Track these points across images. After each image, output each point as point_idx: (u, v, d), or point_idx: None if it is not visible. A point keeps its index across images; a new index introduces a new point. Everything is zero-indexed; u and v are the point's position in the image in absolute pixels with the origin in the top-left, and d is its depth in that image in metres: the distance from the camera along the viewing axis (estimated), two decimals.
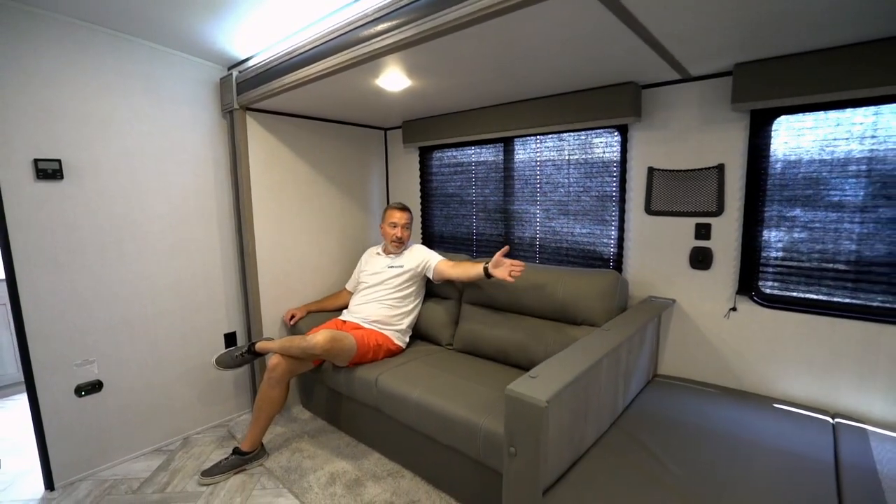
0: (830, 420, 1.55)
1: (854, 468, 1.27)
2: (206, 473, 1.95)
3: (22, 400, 2.77)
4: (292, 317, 2.44)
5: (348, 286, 2.60)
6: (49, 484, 1.89)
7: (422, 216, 2.91)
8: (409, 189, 2.95)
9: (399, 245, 2.40)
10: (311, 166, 2.60)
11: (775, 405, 1.65)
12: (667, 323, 1.95)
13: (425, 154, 2.84)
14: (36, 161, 1.76)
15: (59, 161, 1.81)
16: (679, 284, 1.89)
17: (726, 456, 1.32)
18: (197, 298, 2.29)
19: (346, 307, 2.48)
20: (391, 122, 2.78)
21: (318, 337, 1.95)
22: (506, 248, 1.93)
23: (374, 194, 3.01)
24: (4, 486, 1.94)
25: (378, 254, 2.49)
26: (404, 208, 2.42)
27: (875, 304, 1.54)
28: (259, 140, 2.33)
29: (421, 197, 2.90)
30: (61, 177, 1.82)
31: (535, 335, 1.98)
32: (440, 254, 2.38)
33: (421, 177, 2.88)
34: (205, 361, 2.33)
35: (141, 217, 2.06)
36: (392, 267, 2.37)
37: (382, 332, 2.23)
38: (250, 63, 2.08)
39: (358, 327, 2.22)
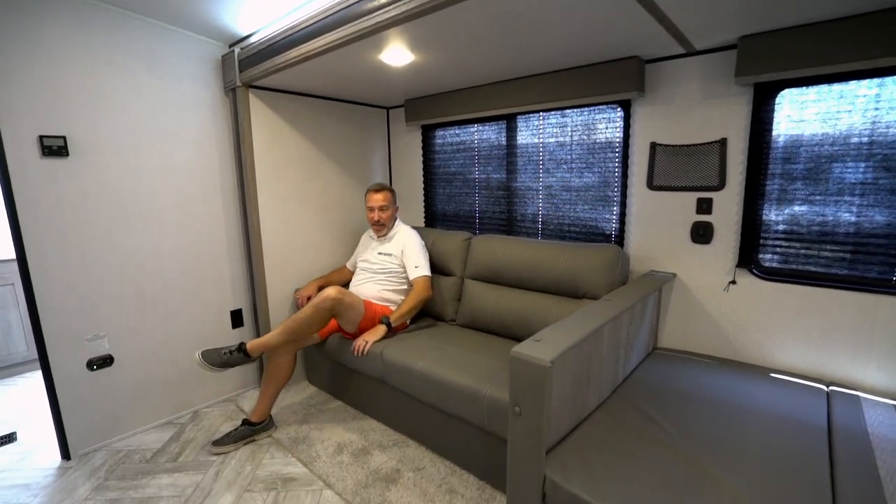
0: (825, 388, 1.59)
1: (845, 431, 1.32)
2: (217, 443, 2.01)
3: (33, 377, 2.84)
4: (308, 298, 2.40)
5: (349, 265, 2.62)
6: (65, 454, 1.95)
7: (424, 195, 2.93)
8: (411, 168, 2.96)
9: (381, 228, 2.37)
10: (313, 144, 2.61)
11: (772, 375, 1.69)
12: (667, 297, 1.98)
13: (428, 133, 2.84)
14: (41, 138, 1.77)
15: (63, 138, 1.82)
16: (680, 258, 1.92)
17: (722, 420, 1.36)
18: (203, 275, 2.32)
19: (348, 282, 2.50)
20: (394, 100, 2.77)
21: (329, 290, 2.00)
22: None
23: (377, 173, 3.02)
24: (23, 455, 2.01)
25: (371, 237, 2.49)
26: (381, 189, 2.35)
27: (872, 275, 1.56)
28: (262, 118, 2.33)
29: (423, 176, 2.91)
30: (67, 154, 1.84)
31: (537, 309, 2.01)
32: (427, 261, 2.32)
33: (423, 156, 2.88)
34: (211, 337, 2.37)
35: (146, 193, 2.08)
36: (382, 254, 2.36)
37: (388, 307, 2.26)
38: (252, 40, 2.07)
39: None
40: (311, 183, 2.62)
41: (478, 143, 2.60)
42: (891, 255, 1.52)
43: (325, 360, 2.41)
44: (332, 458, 1.92)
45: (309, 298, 2.40)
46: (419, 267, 2.25)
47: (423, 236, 2.58)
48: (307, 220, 2.61)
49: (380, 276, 2.33)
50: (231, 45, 2.22)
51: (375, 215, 2.33)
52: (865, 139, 1.53)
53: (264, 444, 2.06)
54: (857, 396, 1.53)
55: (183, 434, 2.16)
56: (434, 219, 2.92)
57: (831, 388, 1.60)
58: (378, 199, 2.33)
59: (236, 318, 2.47)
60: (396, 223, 2.43)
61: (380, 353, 1.99)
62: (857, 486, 1.09)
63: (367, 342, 2.03)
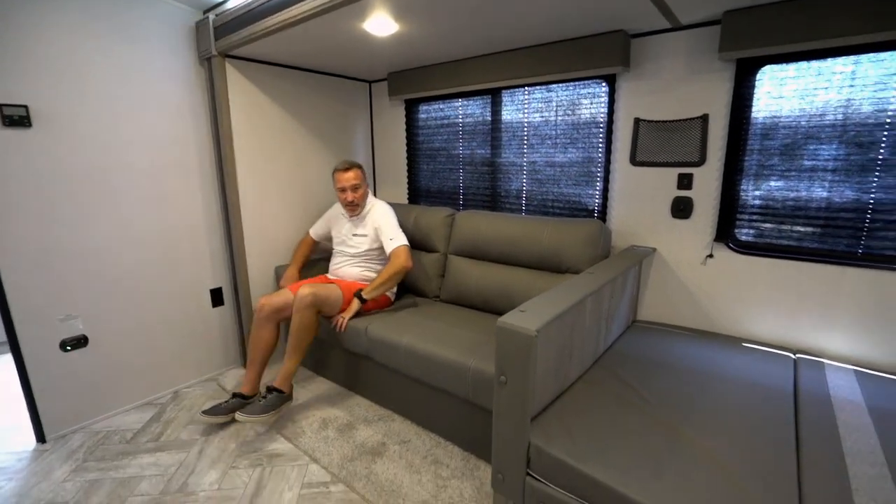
0: (792, 356, 1.67)
1: (810, 395, 1.39)
2: (207, 412, 1.99)
3: (3, 359, 2.74)
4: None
5: (313, 234, 2.50)
6: (40, 436, 1.90)
7: (408, 171, 2.89)
8: (394, 144, 2.91)
9: (355, 208, 2.26)
10: (294, 118, 2.54)
11: (744, 344, 1.76)
12: (647, 271, 2.03)
13: (411, 108, 2.79)
14: (1, 107, 1.67)
15: (25, 107, 1.72)
16: (660, 233, 1.96)
17: (697, 387, 1.42)
18: (180, 252, 2.26)
19: (313, 251, 2.49)
20: (377, 73, 2.71)
21: (302, 289, 1.98)
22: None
23: (360, 149, 2.97)
24: None
25: (343, 215, 2.37)
26: (350, 167, 2.20)
27: (840, 248, 1.63)
28: (240, 89, 2.25)
29: (407, 152, 2.87)
30: (29, 124, 1.74)
31: (520, 284, 2.03)
32: (407, 227, 2.28)
33: (407, 131, 2.84)
34: (190, 316, 2.33)
35: (116, 167, 1.99)
36: (356, 235, 2.28)
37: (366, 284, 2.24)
38: (228, 6, 1.98)
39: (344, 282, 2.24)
40: (293, 158, 2.56)
41: (462, 118, 2.57)
42: (858, 228, 1.59)
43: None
44: (318, 433, 1.93)
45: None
46: (394, 238, 2.15)
47: (405, 213, 2.57)
48: (288, 196, 2.55)
49: (358, 259, 2.29)
50: (205, 12, 2.11)
51: (349, 196, 2.21)
52: (840, 116, 1.57)
53: (217, 416, 2.03)
54: (822, 363, 1.61)
55: (164, 414, 2.13)
56: (418, 195, 2.90)
57: (798, 355, 1.68)
58: (349, 177, 2.20)
59: (216, 297, 2.43)
60: (368, 200, 2.33)
61: (364, 330, 1.99)
62: (818, 442, 1.16)
63: (343, 318, 2.04)
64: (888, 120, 1.49)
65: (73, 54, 1.82)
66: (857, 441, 1.17)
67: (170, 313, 2.26)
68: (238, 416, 1.88)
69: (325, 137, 2.72)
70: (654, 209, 1.95)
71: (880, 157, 1.52)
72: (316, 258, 2.57)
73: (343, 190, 2.22)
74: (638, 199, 1.99)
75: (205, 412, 1.99)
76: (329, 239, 2.46)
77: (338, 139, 2.81)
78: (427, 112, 2.73)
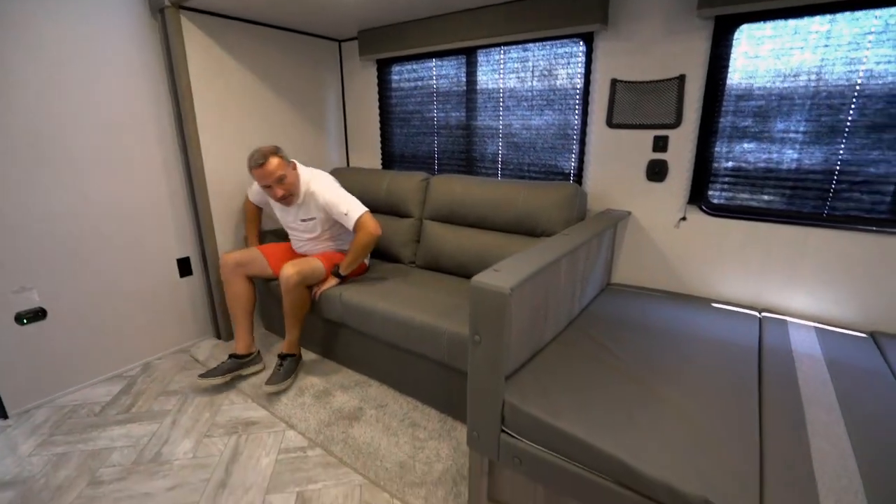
0: (758, 315, 1.72)
1: (773, 351, 1.44)
2: (204, 375, 1.97)
3: None
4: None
5: (251, 198, 2.27)
6: (1, 412, 1.83)
7: (381, 136, 2.80)
8: (366, 107, 2.80)
9: (291, 199, 1.99)
10: (260, 80, 2.40)
11: (713, 304, 1.81)
12: (622, 234, 2.04)
13: (383, 69, 2.67)
14: None
15: None
16: (635, 196, 1.96)
17: (667, 346, 1.45)
18: (143, 222, 2.15)
19: (259, 217, 2.33)
20: (347, 30, 2.57)
21: (286, 269, 1.90)
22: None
23: (331, 112, 2.85)
24: None
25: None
26: (265, 159, 1.85)
27: (807, 209, 1.66)
28: (199, 46, 2.10)
29: (380, 116, 2.77)
30: None
31: (495, 248, 2.02)
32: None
33: (380, 94, 2.73)
34: (157, 287, 2.25)
35: (65, 130, 1.85)
36: (305, 220, 2.07)
37: (343, 252, 2.19)
38: None
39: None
40: (259, 122, 2.44)
41: (436, 79, 2.48)
42: (824, 190, 1.62)
43: (276, 302, 2.35)
44: (294, 400, 1.92)
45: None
46: (349, 211, 1.93)
47: (378, 178, 2.50)
48: None
49: (319, 238, 2.14)
50: None
51: (277, 191, 1.90)
52: (813, 77, 1.57)
53: (224, 390, 2.02)
54: (785, 321, 1.67)
55: (134, 386, 2.08)
56: (392, 160, 2.82)
57: (763, 314, 1.74)
58: (271, 171, 1.85)
59: (184, 267, 2.34)
60: (301, 180, 2.00)
61: (339, 296, 1.96)
62: (779, 393, 1.21)
63: (320, 289, 2.02)
64: (859, 81, 1.50)
65: (6, 2, 1.65)
66: (815, 391, 1.22)
67: (135, 284, 2.17)
68: (266, 388, 1.93)
69: (293, 100, 2.60)
70: (630, 172, 1.95)
71: (849, 118, 1.54)
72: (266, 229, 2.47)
73: (268, 187, 1.90)
74: (614, 162, 1.98)
75: (202, 376, 1.97)
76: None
77: (307, 102, 2.68)
78: (400, 73, 2.62)
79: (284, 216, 2.15)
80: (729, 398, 1.18)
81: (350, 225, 1.95)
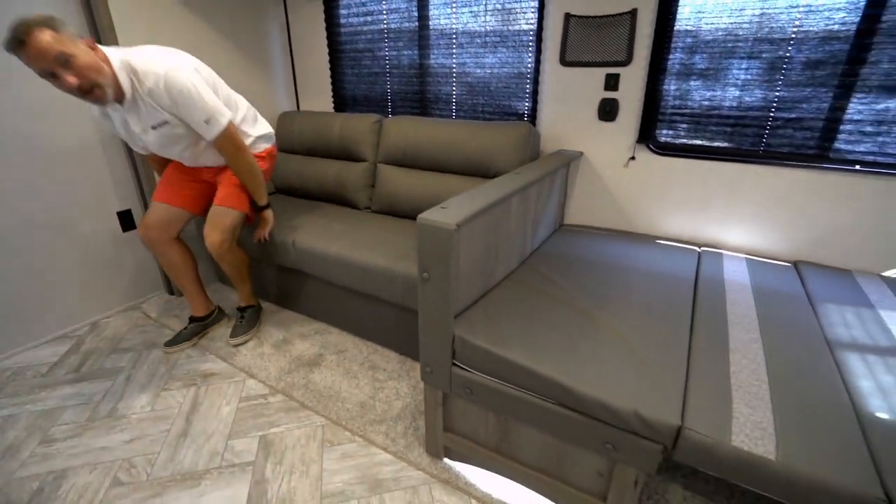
0: (698, 249, 1.82)
1: (707, 281, 1.54)
2: (170, 344, 1.94)
3: None
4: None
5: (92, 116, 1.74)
6: None
7: (331, 78, 2.65)
8: (314, 46, 2.62)
9: (100, 93, 1.34)
10: (193, 15, 2.18)
11: (658, 241, 1.90)
12: (574, 175, 2.07)
13: (330, 3, 2.48)
14: None
15: None
16: (587, 136, 1.98)
17: (612, 280, 1.53)
18: (74, 173, 1.99)
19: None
20: None
21: (212, 237, 1.73)
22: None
23: (275, 50, 2.65)
24: None
25: (115, 110, 1.49)
26: (25, 38, 1.19)
27: (745, 146, 1.73)
28: None
29: (329, 55, 2.60)
30: None
31: (450, 190, 2.01)
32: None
33: (328, 31, 2.55)
34: (98, 242, 2.12)
35: None
36: (157, 127, 1.50)
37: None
38: None
39: (206, 177, 1.83)
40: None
41: (387, 14, 2.33)
42: (762, 126, 1.68)
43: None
44: (253, 351, 1.92)
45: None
46: (210, 120, 1.47)
47: (329, 121, 2.39)
48: None
49: (197, 145, 1.63)
50: None
51: (68, 79, 1.26)
52: (757, 11, 1.58)
53: (180, 345, 1.98)
54: (721, 254, 1.78)
55: (83, 345, 2.01)
56: (344, 103, 2.69)
57: (703, 248, 1.84)
58: (40, 48, 1.20)
59: (126, 220, 2.21)
60: (119, 65, 1.37)
61: (291, 243, 1.92)
62: (709, 317, 1.31)
63: (265, 232, 1.91)
64: (798, 16, 1.52)
65: None
66: (740, 315, 1.33)
67: (73, 241, 2.04)
68: (231, 341, 1.94)
69: (234, 41, 2.39)
70: (582, 112, 1.94)
71: (787, 55, 1.57)
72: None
73: (53, 76, 1.26)
74: (567, 102, 1.96)
75: (167, 344, 1.93)
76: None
77: (247, 39, 2.48)
78: (348, 8, 2.45)
79: (125, 131, 1.54)
80: (664, 324, 1.27)
81: (209, 136, 1.50)
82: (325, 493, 1.30)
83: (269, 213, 1.89)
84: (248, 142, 1.76)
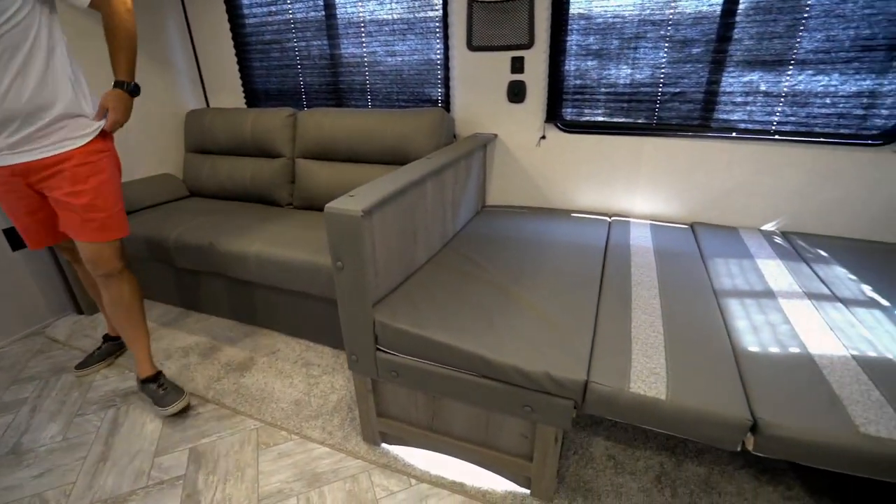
0: (608, 219, 1.96)
1: (615, 248, 1.67)
2: (81, 366, 1.80)
3: None
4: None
5: None
6: None
7: (240, 72, 2.53)
8: (217, 35, 2.48)
9: None
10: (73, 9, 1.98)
11: (573, 215, 2.01)
12: (491, 157, 2.14)
13: None
14: None
15: None
16: (499, 119, 2.04)
17: (529, 255, 1.61)
18: None
19: None
20: None
21: (91, 253, 1.39)
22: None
23: (174, 44, 2.48)
24: None
25: None
26: None
27: (641, 120, 1.87)
28: None
29: (235, 47, 2.48)
30: None
31: (369, 180, 1.99)
32: None
33: (230, 22, 2.42)
34: None
35: None
36: None
37: (64, 149, 1.29)
38: None
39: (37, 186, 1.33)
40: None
41: (291, 3, 2.25)
42: (653, 101, 1.82)
43: (152, 266, 2.14)
44: (178, 362, 1.83)
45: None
46: None
47: (240, 117, 2.30)
48: None
49: (23, 86, 1.18)
50: None
51: None
52: None
53: (95, 366, 1.84)
54: (629, 221, 1.93)
55: None
56: (256, 98, 2.58)
57: (613, 218, 1.98)
58: None
59: (13, 239, 2.00)
60: None
61: (208, 245, 1.83)
62: (615, 280, 1.42)
63: (112, 125, 1.36)
64: None
65: None
66: (642, 275, 1.45)
67: None
68: (165, 412, 1.53)
69: None
70: (493, 95, 2.00)
71: (667, 34, 1.71)
72: None
73: None
74: (477, 86, 2.01)
75: (79, 367, 1.79)
76: None
77: (145, 37, 2.29)
78: None
79: None
80: (576, 291, 1.36)
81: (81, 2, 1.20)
82: (262, 494, 1.28)
83: (124, 98, 1.34)
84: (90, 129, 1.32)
